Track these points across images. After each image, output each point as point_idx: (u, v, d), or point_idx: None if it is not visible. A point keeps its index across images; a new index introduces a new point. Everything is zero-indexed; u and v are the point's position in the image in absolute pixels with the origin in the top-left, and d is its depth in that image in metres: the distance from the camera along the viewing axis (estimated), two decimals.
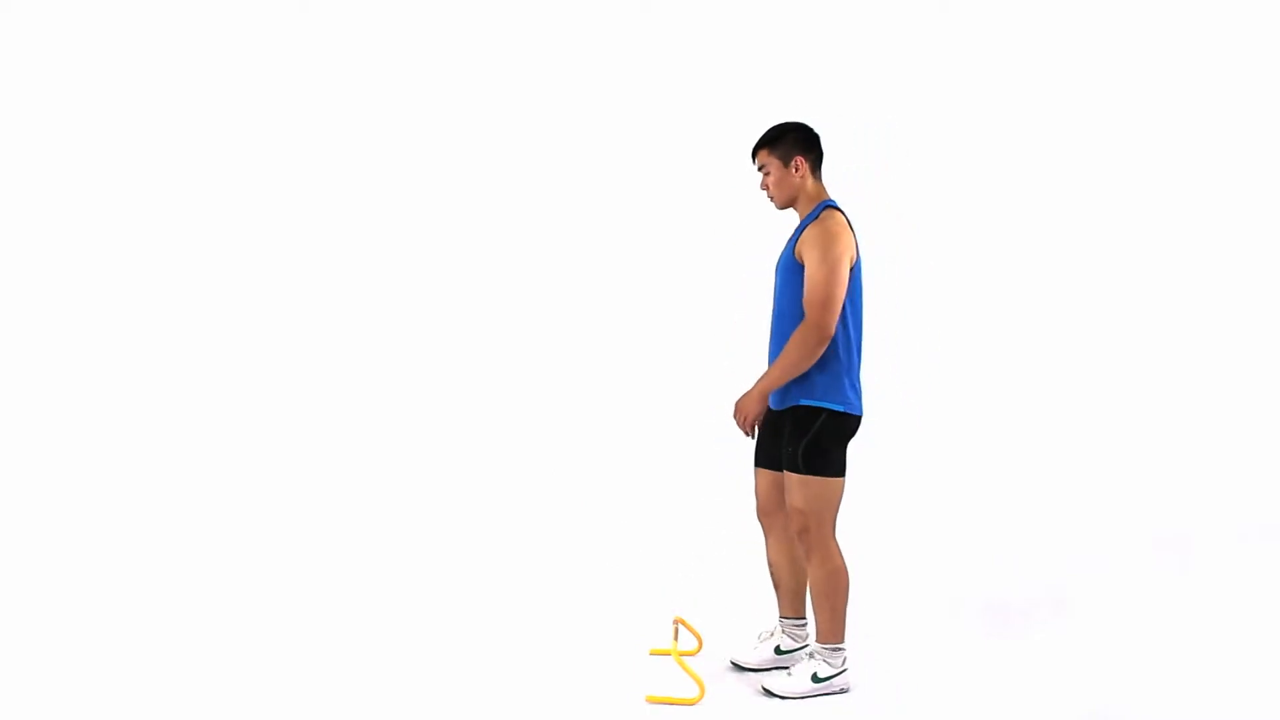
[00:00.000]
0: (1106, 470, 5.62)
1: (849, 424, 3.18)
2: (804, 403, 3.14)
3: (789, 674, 3.18)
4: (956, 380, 5.94)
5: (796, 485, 3.13)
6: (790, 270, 3.19)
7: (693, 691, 3.12)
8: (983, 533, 4.95)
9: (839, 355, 3.15)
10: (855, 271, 3.18)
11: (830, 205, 3.24)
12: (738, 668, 3.39)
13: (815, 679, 3.15)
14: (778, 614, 3.48)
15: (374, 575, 4.41)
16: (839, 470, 3.16)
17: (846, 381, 3.17)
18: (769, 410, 3.27)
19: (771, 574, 3.44)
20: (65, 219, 5.94)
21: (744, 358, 6.00)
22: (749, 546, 4.84)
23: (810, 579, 3.20)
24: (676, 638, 3.28)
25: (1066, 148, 6.09)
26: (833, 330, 3.09)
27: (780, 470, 3.28)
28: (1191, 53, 6.04)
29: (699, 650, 3.51)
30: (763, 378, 3.16)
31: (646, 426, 5.81)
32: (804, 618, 3.44)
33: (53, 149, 5.93)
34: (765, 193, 3.30)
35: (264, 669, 3.36)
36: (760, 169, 3.30)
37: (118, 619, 3.84)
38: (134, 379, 5.87)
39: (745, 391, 3.21)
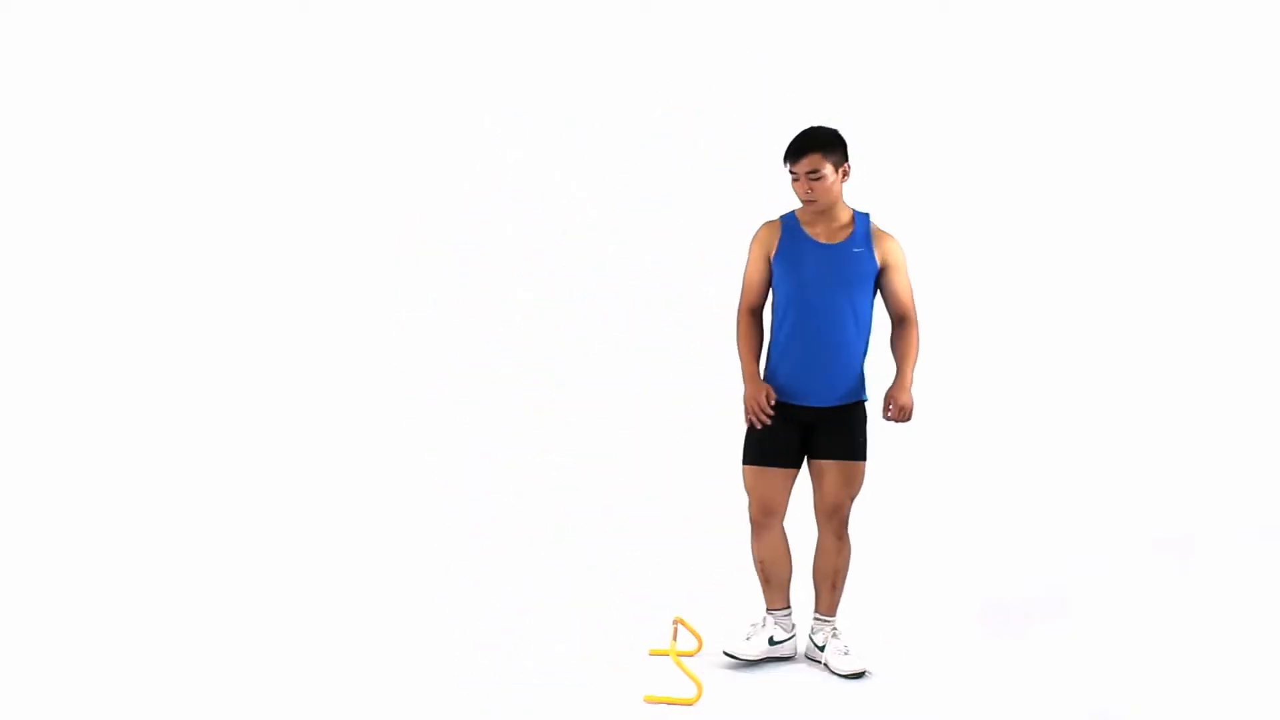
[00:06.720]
0: (1106, 470, 5.60)
1: None
2: (861, 398, 3.43)
3: (846, 653, 3.37)
4: (956, 379, 5.92)
5: (856, 472, 3.41)
6: (863, 276, 3.37)
7: (691, 691, 3.12)
8: (983, 533, 4.94)
9: None
10: None
11: (868, 216, 3.46)
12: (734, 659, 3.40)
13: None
14: (767, 606, 3.52)
15: (373, 574, 4.41)
16: None
17: None
18: (791, 408, 3.38)
19: (773, 570, 3.49)
20: (55, 218, 5.93)
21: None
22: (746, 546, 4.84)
23: (842, 558, 3.48)
24: (675, 638, 3.27)
25: (1067, 147, 6.08)
26: None
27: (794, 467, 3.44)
28: (1192, 52, 6.04)
29: (698, 650, 3.50)
30: (907, 373, 3.40)
31: (644, 426, 5.80)
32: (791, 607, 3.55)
33: (49, 148, 5.92)
34: (805, 194, 3.33)
35: (262, 670, 3.35)
36: (810, 173, 3.30)
37: (98, 617, 3.84)
38: (122, 378, 5.87)
39: (904, 389, 3.36)
